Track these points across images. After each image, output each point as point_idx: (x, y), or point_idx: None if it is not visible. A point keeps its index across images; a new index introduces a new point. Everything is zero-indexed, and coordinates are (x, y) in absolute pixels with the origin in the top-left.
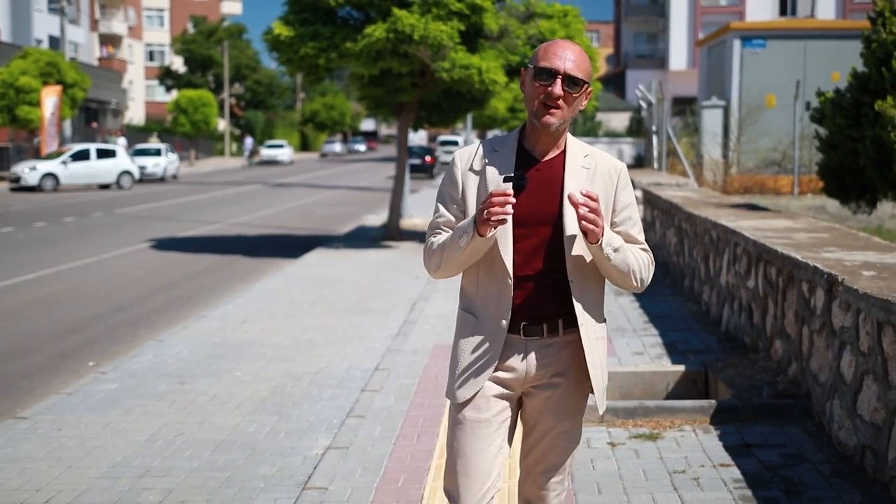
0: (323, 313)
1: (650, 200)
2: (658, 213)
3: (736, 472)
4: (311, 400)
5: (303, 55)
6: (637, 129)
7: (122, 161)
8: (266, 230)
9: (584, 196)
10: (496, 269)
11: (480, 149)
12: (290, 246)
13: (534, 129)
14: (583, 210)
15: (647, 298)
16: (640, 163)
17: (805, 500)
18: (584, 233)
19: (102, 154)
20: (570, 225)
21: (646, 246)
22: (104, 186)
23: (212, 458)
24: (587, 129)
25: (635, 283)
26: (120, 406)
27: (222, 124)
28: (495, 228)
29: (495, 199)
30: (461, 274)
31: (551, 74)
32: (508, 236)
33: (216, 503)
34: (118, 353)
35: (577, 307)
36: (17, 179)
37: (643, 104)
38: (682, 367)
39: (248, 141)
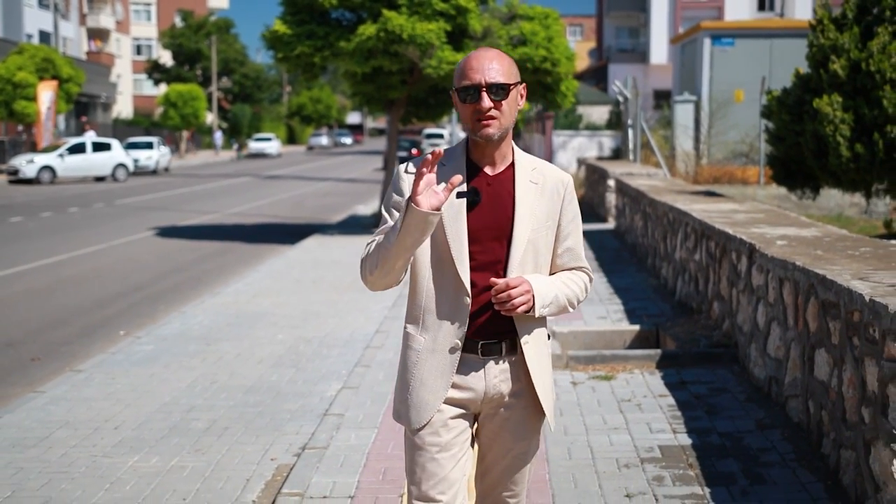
0: (325, 290)
1: (621, 189)
2: (627, 199)
3: (671, 400)
4: (321, 357)
5: (299, 53)
6: (616, 122)
7: (118, 154)
8: (262, 219)
9: (496, 290)
10: (450, 286)
11: None
12: (287, 233)
13: (476, 144)
14: (508, 305)
15: (615, 274)
16: (617, 155)
17: (721, 417)
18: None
19: (98, 147)
20: (518, 242)
21: (584, 263)
22: (100, 179)
23: (244, 399)
24: (569, 122)
25: (572, 311)
26: (159, 362)
27: (210, 118)
28: (432, 204)
29: (426, 163)
30: (409, 291)
31: (475, 90)
32: (464, 251)
33: (253, 429)
34: (144, 324)
35: (520, 327)
36: (15, 172)
37: (620, 98)
38: (637, 327)
39: (218, 135)
